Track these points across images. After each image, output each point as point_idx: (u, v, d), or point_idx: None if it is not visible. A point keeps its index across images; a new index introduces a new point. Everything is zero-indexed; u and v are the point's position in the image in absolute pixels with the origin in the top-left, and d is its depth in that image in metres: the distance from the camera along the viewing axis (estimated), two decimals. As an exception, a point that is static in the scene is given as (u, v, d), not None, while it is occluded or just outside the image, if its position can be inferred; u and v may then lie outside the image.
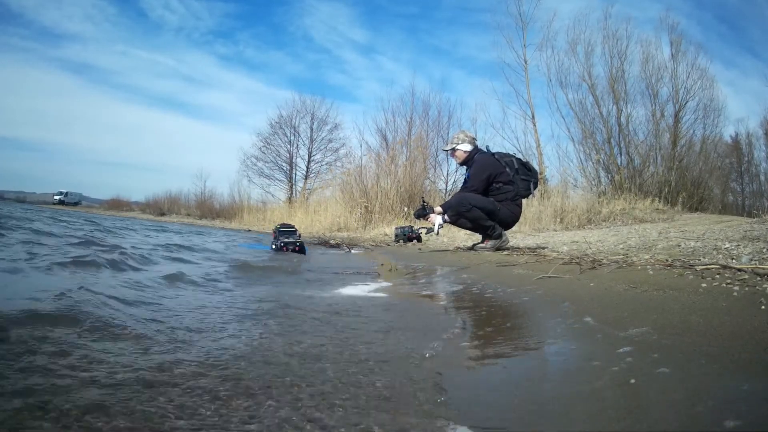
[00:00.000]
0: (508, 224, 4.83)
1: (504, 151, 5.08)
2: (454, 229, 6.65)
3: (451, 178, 17.23)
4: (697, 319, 1.42)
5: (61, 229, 7.96)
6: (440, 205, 4.95)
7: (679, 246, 3.24)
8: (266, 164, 28.76)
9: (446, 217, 4.75)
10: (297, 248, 6.09)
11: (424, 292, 2.88)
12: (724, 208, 15.11)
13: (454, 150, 4.87)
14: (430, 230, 4.92)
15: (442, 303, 2.51)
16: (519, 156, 5.12)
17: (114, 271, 3.09)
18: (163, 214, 33.71)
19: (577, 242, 4.84)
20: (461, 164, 4.96)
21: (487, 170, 4.69)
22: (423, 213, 4.88)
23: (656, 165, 13.10)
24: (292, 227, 6.81)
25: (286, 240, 6.23)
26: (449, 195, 13.62)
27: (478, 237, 5.02)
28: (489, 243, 4.66)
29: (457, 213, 4.66)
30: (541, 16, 15.99)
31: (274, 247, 6.46)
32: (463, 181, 5.07)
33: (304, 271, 4.18)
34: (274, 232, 6.76)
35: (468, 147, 4.87)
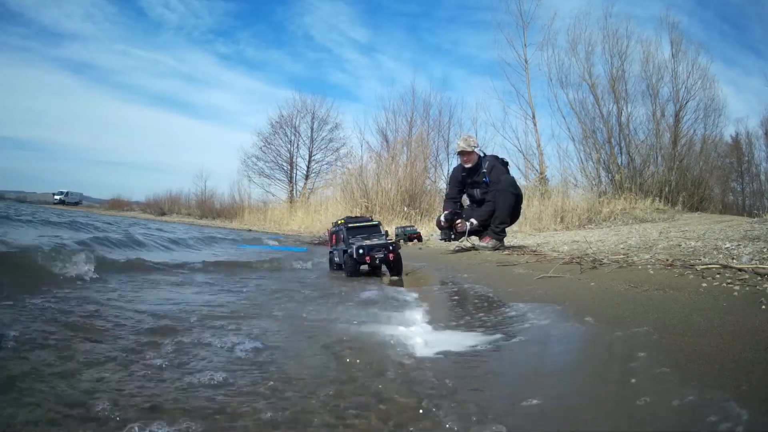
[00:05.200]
0: (518, 218, 5.11)
1: (492, 154, 5.18)
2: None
3: (451, 177, 17.18)
4: (698, 318, 1.43)
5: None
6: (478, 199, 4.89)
7: (680, 246, 3.24)
8: (267, 164, 28.80)
9: (472, 221, 4.74)
10: (391, 256, 3.53)
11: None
12: (724, 208, 15.09)
13: (472, 152, 4.85)
14: (459, 235, 4.82)
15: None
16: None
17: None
18: (163, 214, 33.70)
19: (577, 242, 4.84)
20: (470, 167, 4.91)
21: (504, 171, 4.87)
22: (457, 215, 4.81)
23: (657, 165, 13.10)
24: (371, 220, 4.06)
25: (369, 243, 3.54)
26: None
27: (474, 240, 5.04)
28: (491, 242, 4.67)
29: (495, 207, 4.65)
30: (541, 14, 15.90)
31: (337, 258, 3.96)
32: (470, 183, 4.97)
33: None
34: (334, 234, 4.09)
35: (479, 152, 4.95)
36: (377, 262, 3.53)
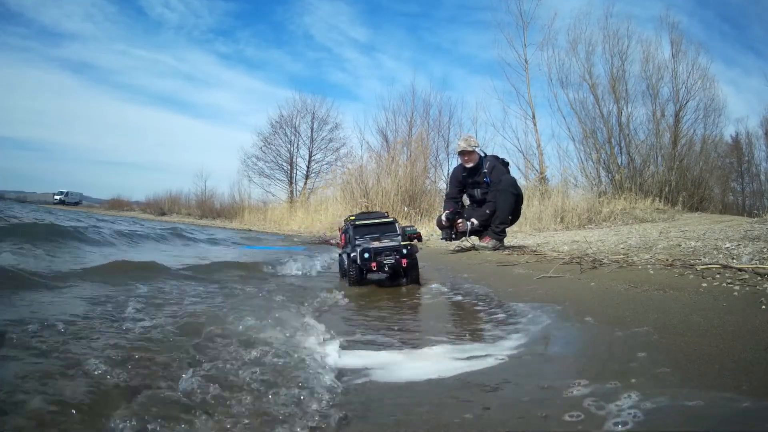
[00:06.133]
0: (518, 218, 5.12)
1: (493, 154, 5.18)
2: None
3: (451, 177, 17.12)
4: (698, 318, 1.43)
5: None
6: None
7: (680, 246, 3.24)
8: (267, 164, 28.80)
9: (473, 221, 4.75)
10: (405, 262, 2.93)
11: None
12: (724, 208, 15.07)
13: (473, 152, 4.84)
14: (460, 234, 4.81)
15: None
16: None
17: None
18: (163, 214, 33.69)
19: (577, 242, 4.84)
20: (471, 167, 4.91)
21: (505, 172, 4.89)
22: (459, 215, 4.80)
23: (657, 165, 13.09)
24: (386, 216, 3.38)
25: (377, 246, 2.99)
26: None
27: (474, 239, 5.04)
28: (491, 242, 4.68)
29: (497, 206, 4.65)
30: (541, 14, 15.84)
31: (345, 263, 3.22)
32: (470, 183, 4.96)
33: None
34: (345, 233, 3.40)
35: (480, 152, 4.95)
36: (386, 269, 2.93)
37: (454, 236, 4.86)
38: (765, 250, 2.43)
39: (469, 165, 4.85)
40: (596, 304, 1.84)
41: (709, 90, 13.69)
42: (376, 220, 3.32)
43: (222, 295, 2.38)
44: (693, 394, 0.94)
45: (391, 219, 3.33)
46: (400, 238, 3.14)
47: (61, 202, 50.23)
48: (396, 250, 2.95)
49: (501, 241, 4.73)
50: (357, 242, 3.11)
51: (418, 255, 3.06)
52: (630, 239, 4.47)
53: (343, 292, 2.71)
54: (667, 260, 2.48)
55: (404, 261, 2.93)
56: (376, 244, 3.02)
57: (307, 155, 29.12)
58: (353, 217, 3.38)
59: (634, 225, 8.37)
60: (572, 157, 13.94)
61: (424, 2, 52.05)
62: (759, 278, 1.73)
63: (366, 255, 2.92)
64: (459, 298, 2.58)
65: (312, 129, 29.16)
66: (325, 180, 23.19)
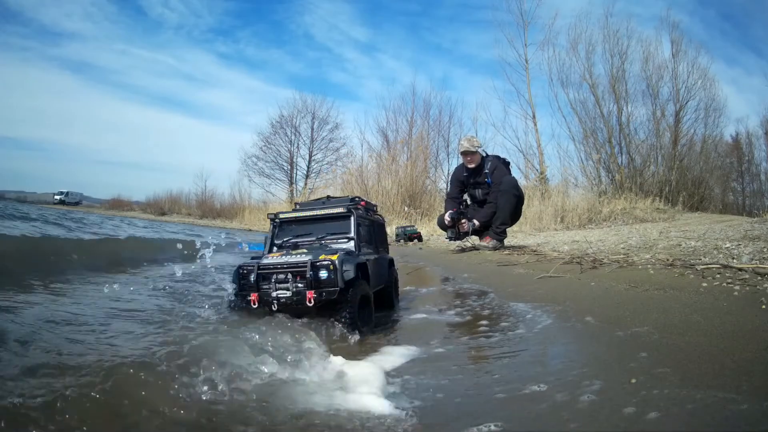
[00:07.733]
0: (519, 218, 5.13)
1: (494, 154, 5.19)
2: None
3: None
4: (698, 318, 1.43)
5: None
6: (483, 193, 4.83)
7: (680, 245, 3.24)
8: (267, 164, 28.87)
9: (474, 222, 4.77)
10: (311, 296, 1.72)
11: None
12: (724, 208, 15.07)
13: (475, 153, 4.85)
14: (463, 234, 4.85)
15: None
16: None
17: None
18: (164, 214, 33.72)
19: (577, 242, 4.84)
20: (473, 167, 4.93)
21: (507, 172, 4.92)
22: (462, 215, 4.83)
23: (657, 164, 13.10)
24: (357, 200, 2.30)
25: (268, 262, 1.84)
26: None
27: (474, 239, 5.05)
28: (491, 242, 4.68)
29: (499, 207, 4.67)
30: (542, 14, 15.91)
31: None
32: (472, 184, 4.97)
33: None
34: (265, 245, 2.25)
35: (482, 152, 4.96)
36: (274, 306, 1.76)
37: (459, 236, 4.88)
38: (765, 250, 2.43)
39: (471, 166, 4.86)
40: (596, 304, 1.84)
41: (710, 90, 13.71)
42: (317, 212, 2.15)
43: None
44: (693, 394, 0.94)
45: (344, 210, 2.15)
46: (352, 244, 2.06)
47: (61, 202, 50.19)
48: (297, 272, 1.74)
49: (501, 241, 4.74)
50: (283, 244, 2.09)
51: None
52: (630, 239, 4.47)
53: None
54: (668, 260, 2.49)
55: (310, 294, 1.70)
56: (271, 257, 1.88)
57: (308, 155, 29.14)
58: (298, 207, 2.32)
59: (635, 225, 8.37)
60: (572, 157, 13.96)
61: (424, 1, 51.96)
62: (759, 278, 1.73)
63: (253, 278, 1.78)
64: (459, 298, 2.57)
65: (312, 129, 29.18)
66: (326, 180, 23.22)
